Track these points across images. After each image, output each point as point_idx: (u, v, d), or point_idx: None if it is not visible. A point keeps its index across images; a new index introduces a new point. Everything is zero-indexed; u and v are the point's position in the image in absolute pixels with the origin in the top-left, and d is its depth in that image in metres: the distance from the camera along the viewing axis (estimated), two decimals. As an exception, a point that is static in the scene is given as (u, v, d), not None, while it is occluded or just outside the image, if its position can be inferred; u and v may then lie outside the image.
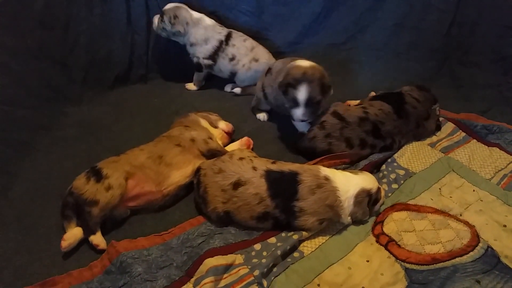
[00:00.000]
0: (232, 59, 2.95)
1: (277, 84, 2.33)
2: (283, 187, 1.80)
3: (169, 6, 2.89)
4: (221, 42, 2.93)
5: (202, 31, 2.91)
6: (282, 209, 1.79)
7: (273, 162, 1.91)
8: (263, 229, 1.85)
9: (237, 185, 1.82)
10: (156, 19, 2.90)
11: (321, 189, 1.80)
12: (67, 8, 2.72)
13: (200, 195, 1.90)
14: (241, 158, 1.92)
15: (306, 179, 1.81)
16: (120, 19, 2.95)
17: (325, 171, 1.88)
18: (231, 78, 3.05)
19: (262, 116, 2.76)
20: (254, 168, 1.86)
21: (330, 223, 1.86)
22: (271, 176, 1.83)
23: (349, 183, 1.85)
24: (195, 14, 2.92)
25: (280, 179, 1.82)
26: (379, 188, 1.93)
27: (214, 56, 2.95)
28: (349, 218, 1.85)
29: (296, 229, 1.81)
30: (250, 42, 3.00)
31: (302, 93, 2.19)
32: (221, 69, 3.03)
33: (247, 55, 2.94)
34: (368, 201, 1.87)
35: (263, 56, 2.99)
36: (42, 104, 2.57)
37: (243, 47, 2.95)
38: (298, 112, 2.24)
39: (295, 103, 2.23)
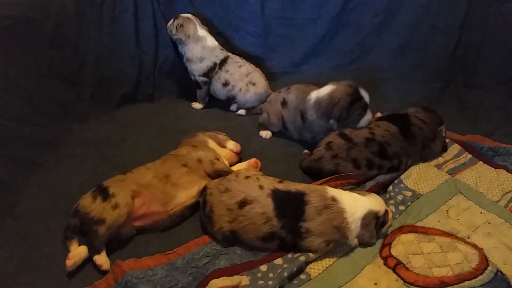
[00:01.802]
0: (225, 84, 2.97)
1: (323, 118, 2.43)
2: (290, 207, 1.79)
3: (185, 14, 2.97)
4: (215, 64, 2.95)
5: (199, 49, 2.94)
6: (289, 229, 1.77)
7: (280, 181, 1.91)
8: (269, 250, 1.83)
9: (243, 204, 1.81)
10: (171, 20, 2.98)
11: (328, 210, 1.78)
12: (77, 27, 2.75)
13: (206, 215, 1.89)
14: (247, 177, 1.91)
15: (313, 200, 1.80)
16: (128, 39, 2.99)
17: (332, 191, 1.86)
18: (229, 101, 3.07)
19: (265, 134, 2.78)
20: (261, 187, 1.85)
21: (337, 245, 1.84)
22: (278, 196, 1.82)
23: (356, 205, 1.83)
24: (201, 32, 2.95)
25: (287, 199, 1.81)
26: (386, 211, 1.91)
27: (208, 74, 2.98)
28: (356, 240, 1.83)
29: (302, 250, 1.79)
30: (246, 68, 3.00)
31: (366, 97, 2.41)
32: (215, 92, 3.05)
33: (242, 80, 2.96)
34: (375, 223, 1.85)
35: (260, 81, 3.00)
36: (49, 121, 2.58)
37: (237, 73, 2.96)
38: (367, 117, 2.45)
39: (363, 111, 2.42)
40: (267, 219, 1.78)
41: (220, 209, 1.84)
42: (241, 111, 3.03)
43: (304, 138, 2.64)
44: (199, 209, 2.03)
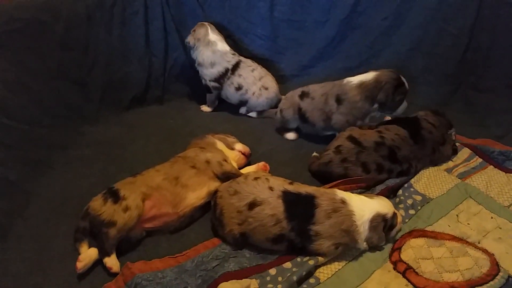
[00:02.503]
0: (238, 88, 2.98)
1: (367, 100, 2.51)
2: (300, 210, 1.80)
3: (204, 22, 3.02)
4: (227, 70, 2.96)
5: (209, 54, 2.95)
6: (298, 232, 1.78)
7: (290, 183, 1.91)
8: (277, 252, 1.83)
9: (252, 205, 1.82)
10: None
11: (337, 213, 1.78)
12: (87, 30, 2.78)
13: (217, 218, 1.90)
14: (256, 178, 1.92)
15: (322, 203, 1.80)
16: (138, 41, 3.01)
17: (342, 194, 1.87)
18: (241, 105, 3.08)
19: (291, 135, 2.81)
20: (271, 188, 1.86)
21: (346, 249, 1.83)
22: (288, 198, 1.82)
23: (364, 207, 1.83)
24: (212, 37, 2.96)
25: (297, 201, 1.82)
26: (395, 214, 1.91)
27: (220, 80, 2.98)
28: (365, 243, 1.83)
29: (311, 253, 1.79)
30: (259, 72, 3.02)
31: (406, 84, 2.51)
32: (227, 97, 3.06)
33: (255, 84, 2.98)
34: (383, 226, 1.84)
35: (272, 85, 3.03)
36: (60, 123, 2.60)
37: (250, 77, 2.98)
38: (404, 104, 2.57)
39: (404, 97, 2.54)
40: (276, 221, 1.78)
41: (230, 212, 1.85)
42: (252, 113, 3.05)
43: (328, 126, 2.65)
44: (208, 210, 2.05)
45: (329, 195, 1.85)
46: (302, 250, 1.81)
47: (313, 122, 2.68)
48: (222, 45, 2.99)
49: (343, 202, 1.82)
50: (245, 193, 1.86)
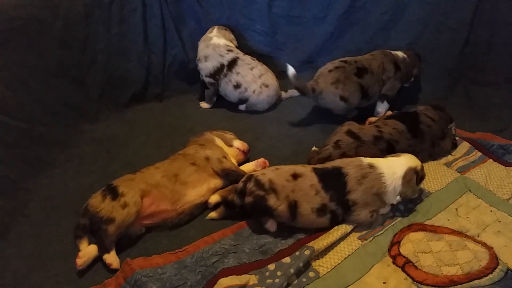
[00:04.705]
0: (237, 86, 2.95)
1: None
2: (332, 181, 1.90)
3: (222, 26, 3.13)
4: (222, 65, 2.94)
5: (203, 47, 2.98)
6: (337, 202, 1.87)
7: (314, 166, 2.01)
8: (321, 227, 1.90)
9: (295, 176, 1.90)
10: None
11: (366, 179, 1.89)
12: (86, 28, 2.79)
13: (267, 188, 1.86)
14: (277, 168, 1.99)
15: (351, 171, 1.91)
16: (137, 39, 3.02)
17: (367, 159, 1.98)
18: (240, 103, 3.05)
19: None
20: (303, 166, 1.98)
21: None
22: (319, 171, 1.93)
23: (394, 165, 1.95)
24: (212, 33, 3.01)
25: (327, 174, 1.93)
26: (422, 166, 2.02)
27: (215, 76, 2.97)
28: (398, 197, 1.95)
29: (351, 223, 1.90)
30: (258, 69, 2.98)
31: None
32: (226, 94, 3.04)
33: (255, 82, 2.94)
34: (416, 178, 1.95)
35: (272, 83, 3.01)
36: (59, 121, 2.61)
37: (249, 75, 2.94)
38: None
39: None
40: (316, 191, 1.87)
41: (280, 180, 1.88)
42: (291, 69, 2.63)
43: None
44: (207, 208, 2.07)
45: (355, 163, 1.95)
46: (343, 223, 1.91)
47: (373, 95, 2.78)
48: (217, 40, 2.98)
49: (371, 166, 1.93)
50: (286, 168, 1.95)
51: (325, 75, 2.70)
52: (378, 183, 1.89)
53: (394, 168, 1.94)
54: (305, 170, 1.93)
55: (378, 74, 2.73)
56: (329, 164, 1.98)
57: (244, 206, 1.91)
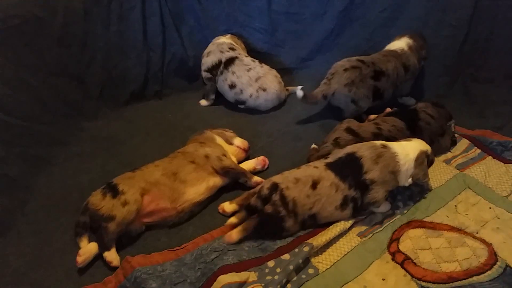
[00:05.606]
0: (232, 86, 2.92)
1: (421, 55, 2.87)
2: (348, 168, 1.92)
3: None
4: (219, 61, 2.93)
5: (210, 45, 3.04)
6: (356, 186, 1.90)
7: (325, 158, 2.04)
8: (344, 219, 1.93)
9: (314, 184, 1.89)
10: None
11: (382, 158, 1.92)
12: (85, 26, 2.79)
13: (290, 210, 1.86)
14: (298, 167, 2.01)
15: (364, 153, 1.93)
16: (136, 36, 3.01)
17: (379, 141, 2.01)
18: (238, 104, 3.02)
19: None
20: (316, 167, 1.96)
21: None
22: (333, 166, 1.95)
23: (407, 148, 1.98)
24: (224, 37, 3.09)
25: (342, 164, 1.94)
26: (432, 151, 2.07)
27: (212, 71, 2.97)
28: (410, 179, 1.97)
29: (368, 205, 1.94)
30: (256, 72, 2.91)
31: None
32: (224, 93, 3.02)
33: (251, 85, 2.89)
34: (427, 161, 2.01)
35: (271, 85, 2.92)
36: (59, 119, 2.61)
37: (245, 76, 2.88)
38: None
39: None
40: (336, 187, 1.89)
41: (301, 199, 1.87)
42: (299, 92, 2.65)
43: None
44: (207, 206, 2.07)
45: (368, 145, 1.99)
46: (361, 208, 1.95)
47: (386, 97, 2.80)
48: (224, 39, 3.02)
49: (384, 146, 1.97)
50: (304, 177, 1.92)
51: (340, 74, 2.67)
52: (393, 162, 1.93)
53: (407, 150, 1.97)
54: (321, 171, 1.93)
55: (394, 78, 2.74)
56: (341, 152, 1.99)
57: (260, 209, 1.90)
